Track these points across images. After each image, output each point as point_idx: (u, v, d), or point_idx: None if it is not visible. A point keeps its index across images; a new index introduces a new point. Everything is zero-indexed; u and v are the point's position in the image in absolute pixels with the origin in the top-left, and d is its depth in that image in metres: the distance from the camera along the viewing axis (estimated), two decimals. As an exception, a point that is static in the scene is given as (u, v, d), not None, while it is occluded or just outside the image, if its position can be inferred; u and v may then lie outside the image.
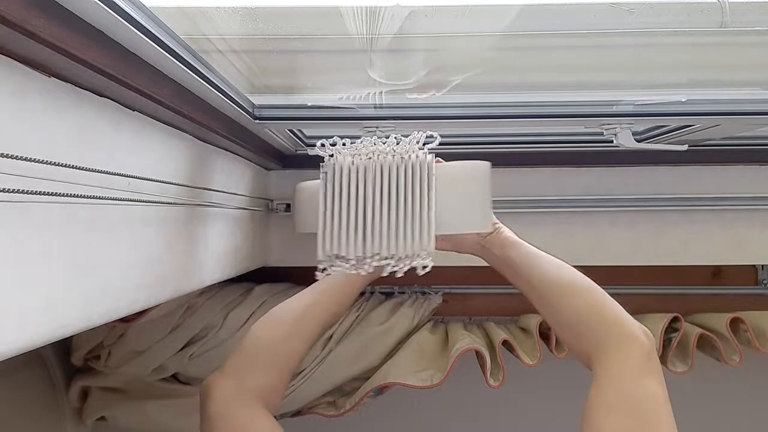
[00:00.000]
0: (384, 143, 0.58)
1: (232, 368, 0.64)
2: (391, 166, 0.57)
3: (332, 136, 0.99)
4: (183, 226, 0.66)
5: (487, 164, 0.63)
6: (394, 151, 0.57)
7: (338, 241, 0.56)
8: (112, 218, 0.50)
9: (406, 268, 0.56)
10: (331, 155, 0.58)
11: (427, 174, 0.57)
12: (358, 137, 0.78)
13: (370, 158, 0.57)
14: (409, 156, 0.57)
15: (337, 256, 0.57)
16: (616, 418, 0.52)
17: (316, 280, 0.63)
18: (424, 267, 0.56)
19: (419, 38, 0.63)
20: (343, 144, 0.59)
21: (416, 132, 0.59)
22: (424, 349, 1.03)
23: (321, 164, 0.58)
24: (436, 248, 0.62)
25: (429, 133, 0.58)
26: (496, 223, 0.70)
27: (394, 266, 0.56)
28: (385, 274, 0.57)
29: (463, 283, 1.17)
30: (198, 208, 0.70)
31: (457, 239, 0.70)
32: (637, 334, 0.58)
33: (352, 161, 0.57)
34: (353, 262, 0.57)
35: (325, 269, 0.58)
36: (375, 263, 0.56)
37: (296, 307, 0.69)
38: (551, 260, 0.66)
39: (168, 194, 0.61)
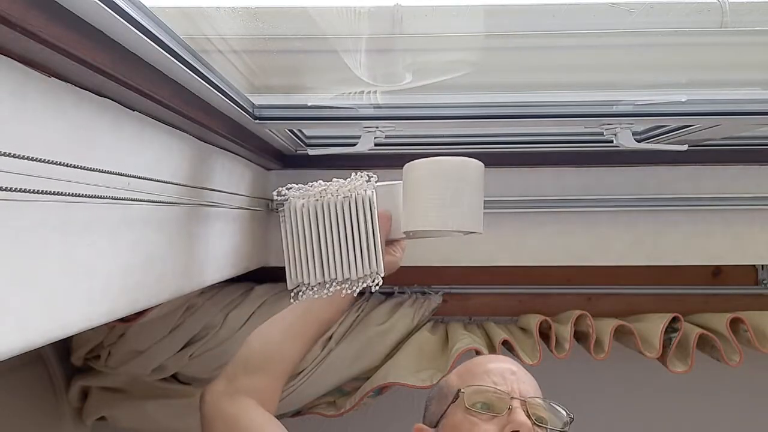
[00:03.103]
0: (333, 183, 0.66)
1: (224, 374, 0.67)
2: (337, 204, 0.64)
3: (332, 136, 0.99)
4: (183, 226, 0.66)
5: (477, 163, 0.64)
6: (338, 191, 0.65)
7: (301, 271, 0.65)
8: (112, 218, 0.50)
9: (359, 289, 0.65)
10: (286, 199, 0.66)
11: (370, 207, 0.64)
12: (358, 137, 0.78)
13: (317, 200, 0.64)
14: (352, 194, 0.64)
15: (302, 284, 0.65)
16: None
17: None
18: (376, 284, 0.64)
19: (419, 38, 0.63)
20: (298, 187, 0.67)
21: (357, 173, 0.66)
22: (424, 349, 1.03)
23: (280, 209, 0.66)
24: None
25: (371, 174, 0.66)
26: None
27: (350, 288, 0.64)
28: (342, 296, 0.65)
29: (463, 283, 1.17)
30: (198, 208, 0.70)
31: None
32: None
33: (303, 204, 0.65)
34: (315, 288, 0.65)
35: (295, 295, 0.66)
36: (333, 288, 0.64)
37: (289, 315, 0.72)
38: None
39: (168, 194, 0.61)
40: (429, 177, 0.64)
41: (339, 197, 0.64)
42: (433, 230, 0.65)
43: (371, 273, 0.64)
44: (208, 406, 0.64)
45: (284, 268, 0.66)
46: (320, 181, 0.66)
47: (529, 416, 0.59)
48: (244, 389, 0.64)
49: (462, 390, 0.63)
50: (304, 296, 0.65)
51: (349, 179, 0.66)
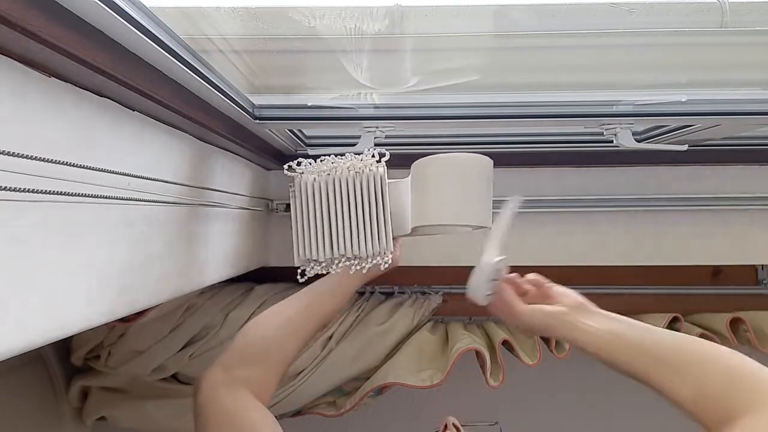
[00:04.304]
0: (344, 159, 0.65)
1: (221, 362, 0.66)
2: (348, 180, 0.64)
3: (332, 136, 0.99)
4: (183, 226, 0.66)
5: (488, 159, 0.65)
6: (349, 167, 0.64)
7: (309, 247, 0.64)
8: (112, 218, 0.50)
9: (369, 266, 0.64)
10: (301, 173, 0.65)
11: (381, 185, 0.63)
12: (358, 137, 0.78)
13: (329, 174, 0.64)
14: (363, 170, 0.64)
15: (310, 260, 0.64)
16: None
17: (305, 282, 0.69)
18: (386, 263, 0.64)
19: (419, 38, 0.63)
20: (309, 163, 0.66)
21: (368, 149, 0.65)
22: (424, 349, 1.03)
23: (290, 185, 0.66)
24: (502, 321, 0.68)
25: (381, 151, 0.65)
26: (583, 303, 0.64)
27: (358, 266, 0.64)
28: (351, 272, 0.65)
29: (463, 283, 1.17)
30: (198, 208, 0.70)
31: (532, 319, 0.66)
32: None
33: (314, 179, 0.64)
34: (324, 263, 0.64)
35: (303, 272, 0.65)
36: (342, 264, 0.64)
37: (289, 308, 0.71)
38: (656, 327, 0.60)
39: (168, 194, 0.61)
40: (443, 173, 0.64)
41: (351, 173, 0.64)
42: (443, 225, 0.65)
43: (381, 251, 0.63)
44: (204, 394, 0.63)
45: (291, 250, 0.65)
46: (332, 156, 0.65)
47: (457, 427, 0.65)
48: (242, 380, 0.64)
49: None
50: (312, 272, 0.64)
51: (361, 155, 0.65)
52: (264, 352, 0.67)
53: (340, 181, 0.64)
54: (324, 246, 0.63)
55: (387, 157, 0.65)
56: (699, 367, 0.55)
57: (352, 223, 0.63)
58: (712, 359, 0.55)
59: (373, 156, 0.65)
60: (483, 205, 0.65)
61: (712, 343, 0.56)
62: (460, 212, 0.64)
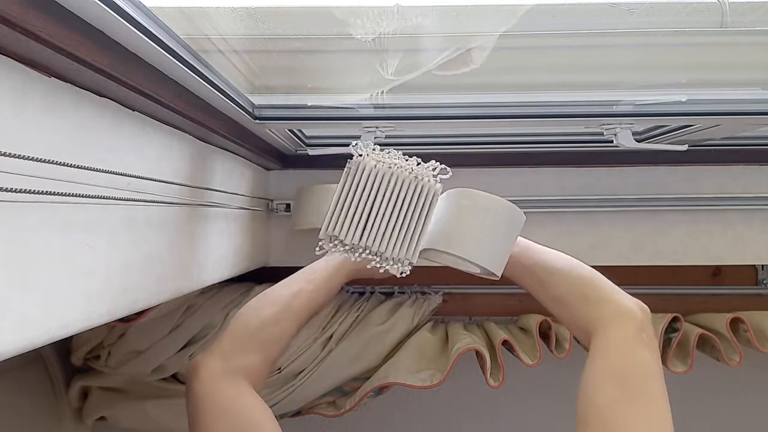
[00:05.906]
0: (407, 160, 0.65)
1: (219, 349, 0.65)
2: (405, 181, 0.63)
3: (332, 136, 0.99)
4: (183, 226, 0.66)
5: (522, 213, 0.66)
6: (413, 169, 0.64)
7: (340, 227, 0.63)
8: (112, 218, 0.50)
9: (386, 268, 0.64)
10: (360, 155, 0.64)
11: (432, 200, 0.64)
12: (358, 137, 0.78)
13: (390, 168, 0.64)
14: (422, 178, 0.64)
15: (335, 238, 0.63)
16: (604, 389, 0.53)
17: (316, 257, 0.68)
18: (402, 273, 0.63)
19: (419, 38, 0.63)
20: (373, 149, 0.65)
21: (434, 161, 0.65)
22: (424, 349, 1.03)
23: (348, 159, 0.65)
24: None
25: (446, 167, 0.65)
26: None
27: (377, 264, 0.63)
28: (368, 267, 0.64)
29: (463, 283, 1.17)
30: (198, 208, 0.70)
31: None
32: (629, 308, 0.60)
33: (375, 165, 0.64)
34: (347, 247, 0.63)
35: (322, 248, 0.64)
36: (363, 255, 0.63)
37: (284, 293, 0.71)
38: (544, 247, 0.70)
39: (168, 194, 0.61)
40: (483, 211, 0.64)
41: (411, 176, 0.64)
42: (458, 258, 0.65)
43: (403, 259, 0.63)
44: (203, 385, 0.61)
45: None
46: (400, 153, 0.66)
47: None
48: (240, 368, 0.63)
49: None
50: (332, 251, 0.64)
51: (425, 164, 0.65)
52: (263, 340, 0.66)
53: (398, 179, 0.63)
54: (355, 231, 0.63)
55: (448, 176, 0.65)
56: (560, 283, 0.66)
57: (390, 222, 0.63)
58: (567, 274, 0.66)
59: (434, 169, 0.65)
60: (503, 255, 0.66)
61: (578, 263, 0.67)
62: (483, 253, 0.64)
